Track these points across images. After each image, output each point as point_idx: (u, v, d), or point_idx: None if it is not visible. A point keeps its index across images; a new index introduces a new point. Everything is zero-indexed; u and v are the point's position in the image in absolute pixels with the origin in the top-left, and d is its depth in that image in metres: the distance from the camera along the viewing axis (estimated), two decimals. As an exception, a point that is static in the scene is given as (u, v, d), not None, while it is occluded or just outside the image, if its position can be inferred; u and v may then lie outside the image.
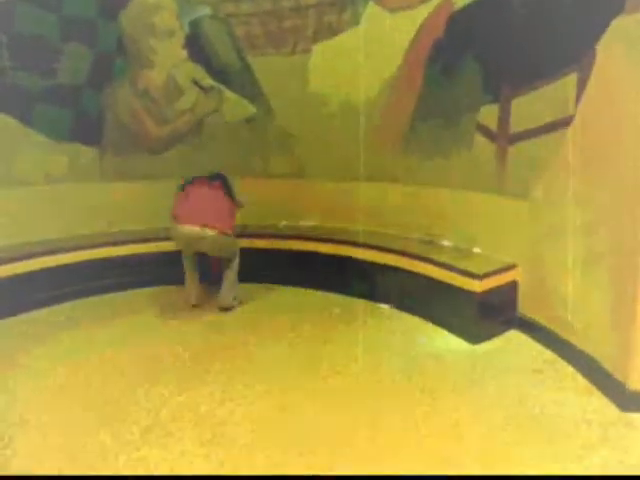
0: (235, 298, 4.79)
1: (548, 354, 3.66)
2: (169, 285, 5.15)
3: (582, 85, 3.31)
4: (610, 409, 2.97)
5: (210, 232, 4.47)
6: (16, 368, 3.54)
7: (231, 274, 4.80)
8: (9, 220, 4.81)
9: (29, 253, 4.63)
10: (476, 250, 4.33)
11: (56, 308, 4.63)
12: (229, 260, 4.78)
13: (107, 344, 3.92)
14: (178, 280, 5.16)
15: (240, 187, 5.26)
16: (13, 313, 4.43)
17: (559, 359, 3.57)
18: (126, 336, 4.07)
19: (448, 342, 3.93)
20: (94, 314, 4.54)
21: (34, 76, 5.05)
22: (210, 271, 5.02)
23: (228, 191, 4.76)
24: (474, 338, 3.89)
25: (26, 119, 5.04)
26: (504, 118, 4.08)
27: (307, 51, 5.45)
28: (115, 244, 5.07)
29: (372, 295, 4.76)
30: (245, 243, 5.22)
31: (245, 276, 5.18)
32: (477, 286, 3.86)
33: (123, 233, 5.30)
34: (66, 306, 4.69)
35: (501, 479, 2.43)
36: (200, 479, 2.47)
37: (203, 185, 4.69)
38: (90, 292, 4.92)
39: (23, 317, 4.42)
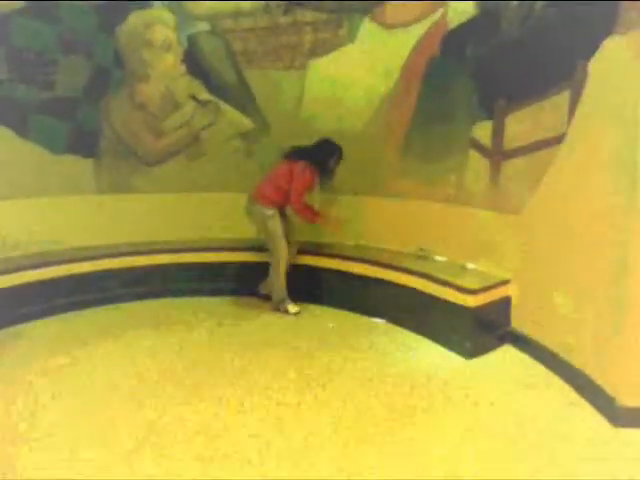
0: (283, 300, 4.80)
1: (540, 369, 3.68)
2: (164, 298, 5.15)
3: (575, 103, 3.36)
4: (601, 424, 2.98)
5: (249, 200, 4.77)
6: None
7: (272, 270, 4.83)
8: (3, 232, 4.81)
9: (20, 266, 4.59)
10: (470, 265, 4.35)
11: (46, 318, 4.61)
12: (271, 252, 4.79)
13: (96, 355, 3.91)
14: (173, 293, 5.18)
15: (236, 202, 5.28)
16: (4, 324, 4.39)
17: (551, 374, 3.58)
18: (116, 346, 4.06)
19: (442, 357, 3.94)
20: (83, 325, 4.52)
21: (31, 88, 5.06)
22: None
23: (302, 156, 4.71)
24: (468, 353, 3.89)
25: (23, 131, 5.04)
26: (498, 135, 4.13)
27: (304, 67, 5.50)
28: (110, 257, 5.05)
29: (366, 309, 4.76)
30: (242, 257, 5.25)
31: (241, 290, 5.22)
32: (471, 301, 3.88)
33: (119, 245, 5.28)
34: (55, 319, 4.65)
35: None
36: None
37: (285, 158, 4.81)
38: (84, 305, 4.87)
39: (9, 329, 4.38)
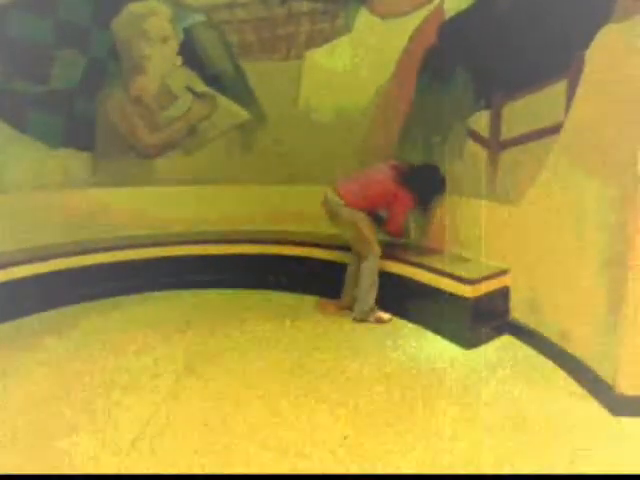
0: (372, 309, 4.39)
1: (540, 359, 3.69)
2: (161, 291, 5.18)
3: (571, 92, 3.34)
4: (601, 413, 2.99)
5: (336, 198, 4.33)
6: (2, 375, 3.54)
7: (362, 279, 4.37)
8: (1, 226, 4.80)
9: (21, 259, 4.59)
10: (468, 255, 4.35)
11: (45, 314, 4.61)
12: (364, 259, 4.36)
13: (96, 350, 3.92)
14: (169, 286, 5.18)
15: (233, 194, 5.28)
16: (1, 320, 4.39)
17: (550, 364, 3.59)
18: (117, 342, 4.07)
19: (441, 347, 3.94)
20: (84, 320, 4.51)
21: (27, 82, 5.05)
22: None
23: (409, 182, 4.27)
24: (467, 343, 3.90)
25: (19, 125, 5.04)
26: (495, 125, 4.12)
27: (300, 58, 5.49)
28: (108, 250, 5.05)
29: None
30: (238, 249, 5.25)
31: (238, 282, 5.22)
32: (469, 291, 3.88)
33: (116, 239, 5.29)
34: (54, 313, 4.67)
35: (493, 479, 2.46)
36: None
37: (385, 165, 4.44)
38: (81, 298, 4.89)
39: (10, 324, 4.40)
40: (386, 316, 4.41)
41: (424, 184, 4.38)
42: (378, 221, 4.49)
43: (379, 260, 4.40)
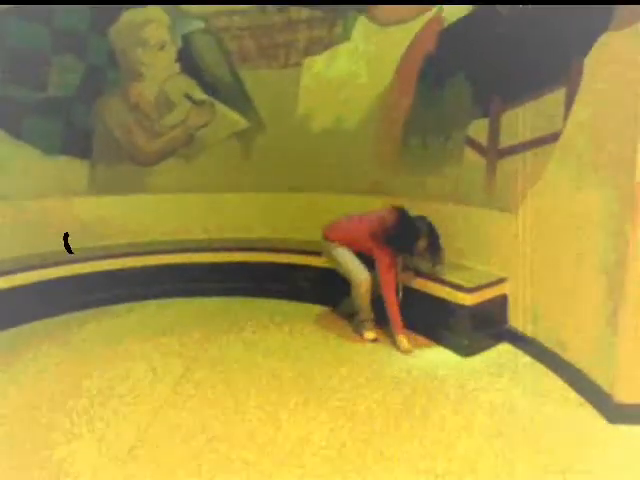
0: (362, 322, 4.31)
1: (538, 367, 3.68)
2: (159, 298, 5.17)
3: (570, 100, 3.36)
4: (598, 421, 2.99)
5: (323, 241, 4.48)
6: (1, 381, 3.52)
7: (353, 300, 4.37)
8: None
9: (19, 267, 4.58)
10: (466, 263, 4.35)
11: (42, 322, 4.59)
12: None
13: (94, 357, 3.90)
14: (168, 294, 5.17)
15: (232, 202, 5.27)
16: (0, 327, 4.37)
17: (548, 372, 3.59)
18: (115, 349, 4.05)
19: (439, 355, 3.94)
20: (81, 328, 4.50)
21: (25, 89, 5.04)
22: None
23: (386, 240, 4.09)
24: (465, 351, 3.90)
25: (16, 132, 5.02)
26: (494, 132, 4.12)
27: (299, 65, 5.49)
28: (105, 258, 5.04)
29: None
30: (237, 257, 5.25)
31: (237, 290, 5.22)
32: (468, 299, 3.88)
33: (114, 247, 5.27)
34: (52, 320, 4.65)
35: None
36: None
37: (378, 213, 4.30)
38: (78, 306, 4.87)
39: (9, 331, 4.39)
40: (369, 335, 4.25)
41: (404, 241, 4.10)
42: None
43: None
